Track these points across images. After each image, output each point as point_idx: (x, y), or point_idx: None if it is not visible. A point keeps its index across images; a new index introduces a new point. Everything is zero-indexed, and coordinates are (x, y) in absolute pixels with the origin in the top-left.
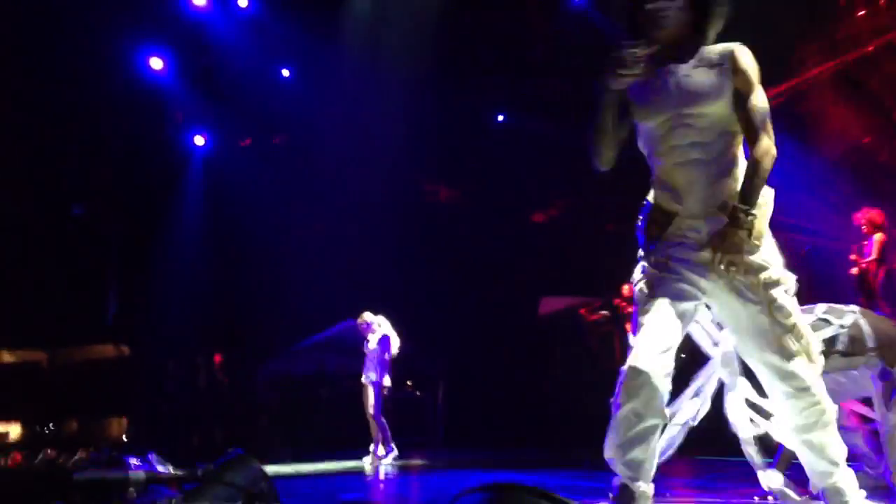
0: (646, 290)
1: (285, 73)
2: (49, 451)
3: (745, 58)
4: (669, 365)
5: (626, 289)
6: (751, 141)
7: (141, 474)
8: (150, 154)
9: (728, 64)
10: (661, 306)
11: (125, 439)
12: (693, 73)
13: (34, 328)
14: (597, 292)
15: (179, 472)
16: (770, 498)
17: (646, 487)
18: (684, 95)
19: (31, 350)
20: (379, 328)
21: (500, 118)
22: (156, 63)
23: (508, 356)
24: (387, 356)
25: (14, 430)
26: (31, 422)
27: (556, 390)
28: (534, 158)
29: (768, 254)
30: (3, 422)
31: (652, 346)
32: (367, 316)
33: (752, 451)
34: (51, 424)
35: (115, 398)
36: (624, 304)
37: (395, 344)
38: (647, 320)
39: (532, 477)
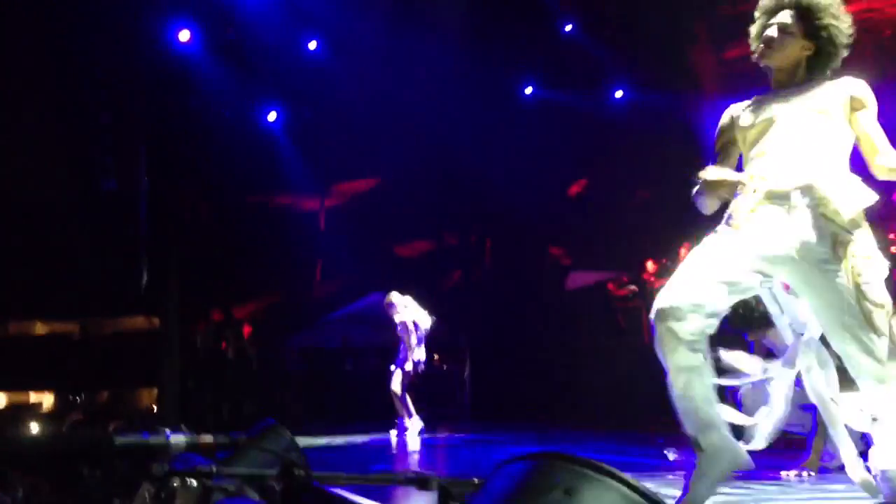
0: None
1: (312, 45)
2: (76, 416)
3: None
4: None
5: (650, 265)
6: None
7: (182, 439)
8: (181, 126)
9: None
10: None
11: (155, 410)
12: None
13: (66, 300)
14: (625, 267)
15: (218, 439)
16: (805, 474)
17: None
18: None
19: (64, 321)
20: (405, 309)
21: (529, 90)
22: (183, 35)
23: (536, 330)
24: (412, 338)
25: (47, 400)
26: (63, 392)
27: (583, 365)
28: (563, 131)
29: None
30: (36, 391)
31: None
32: (394, 296)
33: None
34: (82, 394)
35: (145, 369)
36: (652, 279)
37: (425, 322)
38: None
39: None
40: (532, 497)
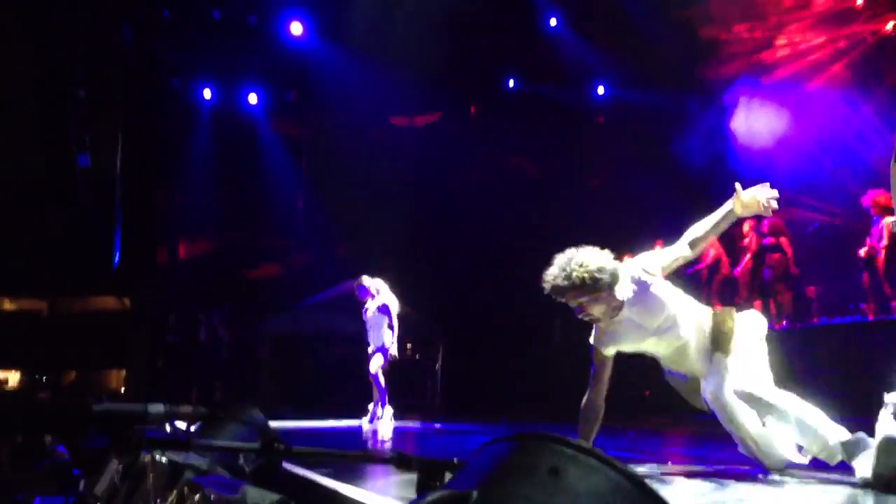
0: None
1: (297, 29)
2: (43, 395)
3: None
4: None
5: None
6: None
7: (160, 408)
8: (159, 105)
9: None
10: None
11: (123, 391)
12: None
13: (36, 277)
14: None
15: (199, 409)
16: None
17: None
18: None
19: (32, 298)
20: (378, 294)
21: (512, 83)
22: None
23: (509, 321)
24: (389, 322)
25: (13, 378)
26: (29, 370)
27: (557, 358)
28: (543, 124)
29: None
30: (2, 369)
31: None
32: (365, 280)
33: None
34: (49, 373)
35: (114, 350)
36: None
37: (395, 309)
38: None
39: None
40: (517, 476)
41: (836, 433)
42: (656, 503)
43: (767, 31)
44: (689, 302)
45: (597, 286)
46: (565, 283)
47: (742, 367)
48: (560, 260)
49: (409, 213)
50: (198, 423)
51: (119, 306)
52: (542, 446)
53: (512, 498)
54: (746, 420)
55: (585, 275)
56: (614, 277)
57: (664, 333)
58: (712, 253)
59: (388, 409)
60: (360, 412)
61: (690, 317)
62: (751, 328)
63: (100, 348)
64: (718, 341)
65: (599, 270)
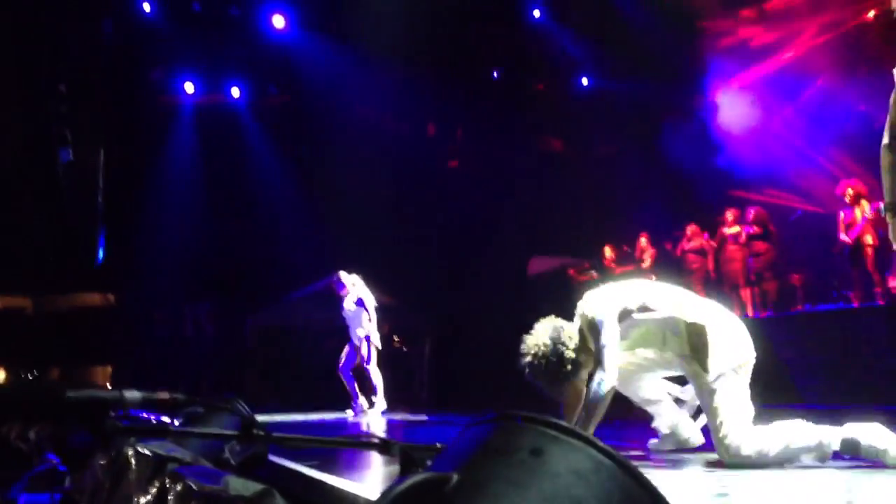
0: None
1: (279, 22)
2: None
3: None
4: None
5: (607, 251)
6: None
7: (137, 394)
8: (141, 99)
9: None
10: None
11: (109, 388)
12: None
13: (19, 273)
14: (586, 253)
15: (177, 396)
16: None
17: None
18: None
19: (16, 296)
20: (353, 288)
21: (496, 74)
22: (145, 6)
23: (497, 314)
24: (366, 314)
25: None
26: (13, 368)
27: None
28: (528, 116)
29: None
30: None
31: None
32: (342, 275)
33: None
34: (34, 371)
35: (100, 347)
36: (613, 265)
37: (371, 303)
38: None
39: None
40: (498, 457)
41: (829, 437)
42: (639, 482)
43: (750, 19)
44: (661, 310)
45: (572, 370)
46: (558, 391)
47: (728, 416)
48: (532, 371)
49: (396, 204)
50: (181, 416)
51: (104, 302)
52: (523, 427)
53: (493, 479)
54: (666, 410)
55: (559, 373)
56: (573, 354)
57: (639, 350)
58: (698, 242)
59: (381, 401)
60: (346, 406)
61: (663, 327)
62: (728, 352)
63: (85, 345)
64: (697, 352)
65: (561, 364)
